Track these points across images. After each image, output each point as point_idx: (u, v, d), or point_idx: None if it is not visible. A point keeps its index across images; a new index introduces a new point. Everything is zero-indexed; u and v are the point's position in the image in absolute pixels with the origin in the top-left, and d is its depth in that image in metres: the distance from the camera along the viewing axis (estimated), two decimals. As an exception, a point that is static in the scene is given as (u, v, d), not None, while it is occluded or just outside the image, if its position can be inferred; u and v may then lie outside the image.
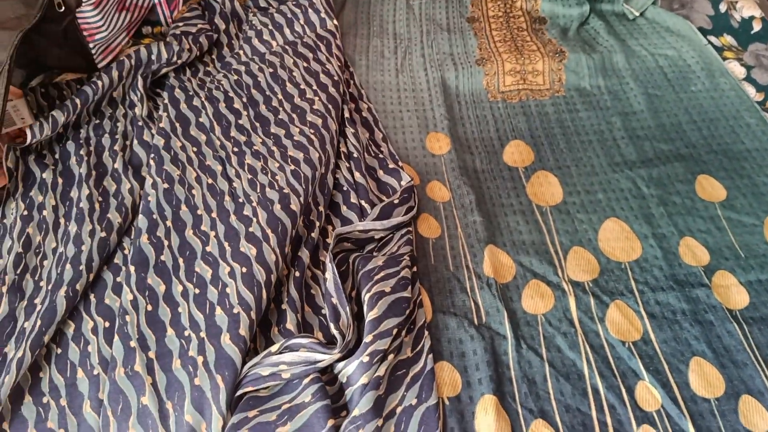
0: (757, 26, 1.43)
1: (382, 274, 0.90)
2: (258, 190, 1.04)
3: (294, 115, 1.18)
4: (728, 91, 1.31)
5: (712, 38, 1.45)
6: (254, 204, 1.02)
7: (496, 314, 0.93)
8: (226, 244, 0.97)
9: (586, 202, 1.11)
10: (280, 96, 1.22)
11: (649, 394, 0.85)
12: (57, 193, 1.06)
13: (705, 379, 0.87)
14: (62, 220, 1.03)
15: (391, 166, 1.12)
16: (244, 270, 0.91)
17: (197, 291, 0.91)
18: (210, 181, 1.06)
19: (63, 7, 1.18)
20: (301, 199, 0.99)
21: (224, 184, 1.06)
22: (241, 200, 1.03)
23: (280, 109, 1.20)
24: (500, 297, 0.95)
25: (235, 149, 1.12)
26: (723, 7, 1.50)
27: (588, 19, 1.52)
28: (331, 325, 0.85)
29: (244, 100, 1.21)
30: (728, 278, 0.99)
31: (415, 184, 1.12)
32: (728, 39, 1.44)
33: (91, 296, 0.92)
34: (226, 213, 1.01)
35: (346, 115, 1.18)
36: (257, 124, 1.17)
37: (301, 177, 1.02)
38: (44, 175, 1.08)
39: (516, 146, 1.21)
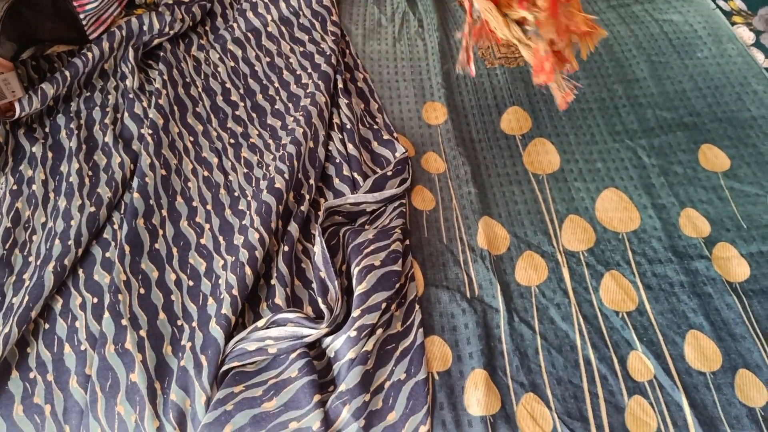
0: (768, -11, 1.38)
1: (372, 247, 0.88)
2: (253, 184, 1.03)
3: (290, 104, 1.16)
4: (735, 57, 1.27)
5: (721, 2, 1.41)
6: (249, 198, 1.01)
7: (489, 287, 0.92)
8: (220, 238, 0.96)
9: (585, 170, 1.08)
10: (276, 84, 1.21)
11: (641, 364, 0.84)
12: (47, 167, 1.05)
13: (701, 352, 0.85)
14: (52, 195, 1.02)
15: (386, 137, 1.10)
16: (233, 258, 0.90)
17: (191, 283, 0.91)
18: (206, 173, 1.05)
19: (52, -23, 1.16)
20: (286, 176, 0.97)
21: (220, 176, 1.05)
22: (236, 194, 1.02)
23: (277, 98, 1.18)
24: (494, 269, 0.93)
25: (232, 141, 1.11)
26: (733, -31, 1.45)
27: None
28: (319, 300, 0.84)
29: (241, 91, 1.19)
30: (729, 250, 0.97)
31: (410, 156, 1.10)
32: (737, 3, 1.40)
33: (80, 271, 0.92)
34: (221, 206, 1.00)
35: (340, 85, 1.15)
36: (254, 115, 1.15)
37: (285, 156, 1.00)
38: (34, 149, 1.07)
39: (513, 113, 1.18)
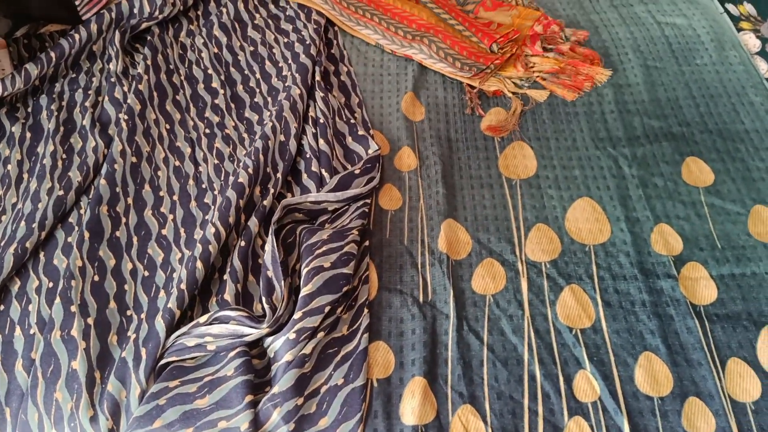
0: (782, -7, 1.32)
1: (324, 248, 0.88)
2: (222, 178, 1.03)
3: (269, 98, 1.16)
4: (736, 66, 1.21)
5: (730, 6, 1.35)
6: (216, 192, 1.01)
7: (443, 292, 0.90)
8: (182, 230, 0.96)
9: (561, 177, 1.05)
10: (258, 75, 1.20)
11: (587, 385, 0.82)
12: (24, 148, 1.07)
13: (652, 375, 0.82)
14: (26, 176, 1.04)
15: (361, 133, 1.08)
16: (190, 252, 0.90)
17: (146, 273, 0.91)
18: (177, 163, 1.05)
19: (42, -42, 1.17)
20: (250, 170, 0.97)
21: (190, 167, 1.05)
22: (204, 186, 1.02)
23: (257, 90, 1.18)
24: (449, 275, 0.92)
25: (207, 131, 1.10)
26: (748, -29, 1.38)
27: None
28: (263, 299, 0.84)
29: (222, 78, 1.19)
30: (699, 270, 0.93)
31: (384, 153, 1.08)
32: (747, 8, 1.34)
33: (41, 255, 0.93)
34: (187, 198, 1.01)
35: (317, 78, 1.14)
36: (233, 105, 1.15)
37: (252, 151, 1.00)
38: (13, 129, 1.09)
39: (496, 114, 1.15)
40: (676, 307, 0.89)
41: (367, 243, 0.95)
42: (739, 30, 1.29)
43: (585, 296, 0.91)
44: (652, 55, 1.24)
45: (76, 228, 0.96)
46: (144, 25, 1.24)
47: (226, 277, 0.89)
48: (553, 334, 0.87)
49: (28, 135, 1.09)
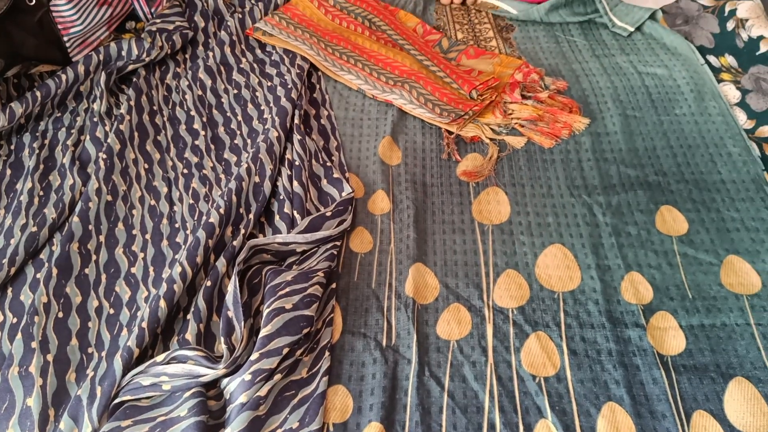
0: (764, 47, 1.33)
1: (287, 290, 0.87)
2: (195, 218, 1.04)
3: (248, 141, 1.18)
4: (715, 116, 1.22)
5: (712, 58, 1.36)
6: (188, 232, 1.02)
7: (407, 337, 0.90)
8: (151, 269, 0.97)
9: (534, 224, 1.05)
10: (239, 117, 1.22)
11: (548, 437, 0.80)
12: (3, 185, 1.08)
13: (615, 427, 0.81)
14: (2, 212, 1.05)
15: (336, 175, 1.09)
16: (156, 291, 0.90)
17: (112, 311, 0.92)
18: (152, 202, 1.07)
19: (33, 1, 1.21)
20: (222, 210, 0.98)
21: (165, 206, 1.06)
22: (177, 225, 1.03)
23: (238, 132, 1.20)
24: (414, 319, 0.91)
25: (185, 171, 1.12)
26: (731, 25, 1.40)
27: (570, 31, 1.45)
28: (221, 339, 0.83)
29: (204, 119, 1.21)
30: (668, 320, 0.92)
31: (358, 196, 1.09)
32: (729, 59, 1.35)
33: (9, 290, 0.94)
34: (159, 237, 1.02)
35: (296, 121, 1.15)
36: (212, 146, 1.17)
37: (225, 192, 1.01)
38: (-6, 166, 1.11)
39: (472, 160, 1.16)
40: (642, 357, 0.88)
41: (334, 285, 0.95)
42: (720, 81, 1.30)
43: (551, 344, 0.90)
44: (632, 104, 1.25)
45: (46, 264, 0.97)
46: (131, 67, 1.27)
47: (189, 316, 0.89)
48: (515, 382, 0.86)
49: (8, 172, 1.10)
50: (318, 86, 1.30)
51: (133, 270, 0.97)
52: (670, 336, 0.90)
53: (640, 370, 0.86)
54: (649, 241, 1.02)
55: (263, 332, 0.82)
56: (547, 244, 1.02)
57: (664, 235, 1.03)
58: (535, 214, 1.07)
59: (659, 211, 1.06)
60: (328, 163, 1.12)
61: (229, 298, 0.87)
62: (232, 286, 0.88)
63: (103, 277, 0.96)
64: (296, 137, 1.13)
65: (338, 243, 0.99)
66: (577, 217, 1.06)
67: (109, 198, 1.04)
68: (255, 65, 1.32)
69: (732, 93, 1.28)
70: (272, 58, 1.34)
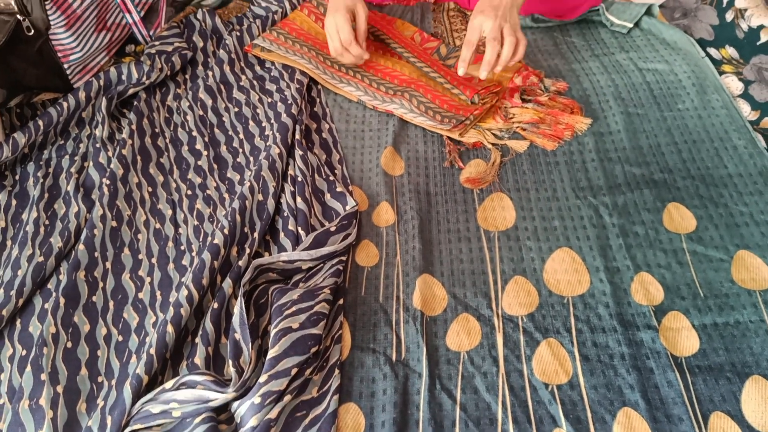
0: (765, 36, 1.31)
1: (293, 308, 0.87)
2: (201, 239, 1.04)
3: (251, 158, 1.17)
4: (719, 109, 1.21)
5: (712, 50, 1.35)
6: (194, 254, 1.02)
7: (416, 350, 0.89)
8: (158, 293, 0.97)
9: (540, 228, 1.04)
10: (241, 135, 1.22)
11: (563, 446, 0.79)
12: (8, 215, 1.09)
13: (631, 432, 0.80)
14: (8, 243, 1.05)
15: (339, 189, 1.09)
16: (163, 316, 0.91)
17: (120, 338, 0.92)
18: (157, 225, 1.07)
19: (32, 31, 1.21)
20: (226, 231, 0.98)
21: (170, 229, 1.06)
22: (183, 248, 1.03)
23: (240, 150, 1.19)
24: (423, 332, 0.91)
25: (189, 192, 1.12)
26: (730, 16, 1.39)
27: (569, 31, 1.44)
28: (229, 362, 0.83)
29: (206, 139, 1.21)
30: (680, 320, 0.91)
31: (362, 209, 1.09)
32: (730, 51, 1.33)
33: (17, 322, 0.94)
34: (165, 260, 1.01)
35: (297, 137, 1.15)
36: (215, 166, 1.17)
37: (229, 212, 1.01)
38: (0, 197, 1.11)
39: (475, 166, 1.15)
40: (656, 360, 0.87)
41: (341, 301, 0.94)
42: (722, 73, 1.29)
43: (562, 350, 0.89)
44: (634, 102, 1.24)
45: (54, 294, 0.97)
46: (131, 91, 1.27)
47: (197, 340, 0.89)
48: (528, 391, 0.85)
49: (14, 202, 1.11)
50: (318, 100, 1.30)
51: (140, 295, 0.97)
52: (683, 336, 0.89)
53: (654, 374, 0.85)
54: (658, 240, 1.01)
55: (271, 353, 0.81)
56: (555, 248, 1.02)
57: (673, 233, 1.02)
58: (541, 218, 1.06)
59: (666, 208, 1.05)
60: (331, 177, 1.11)
61: (235, 320, 0.87)
62: (238, 308, 0.87)
63: (111, 303, 0.96)
64: (298, 152, 1.13)
65: (344, 258, 0.99)
66: (583, 219, 1.05)
67: (114, 224, 1.04)
68: (255, 82, 1.32)
69: (734, 85, 1.27)
70: (271, 74, 1.34)
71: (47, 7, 1.20)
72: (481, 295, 0.96)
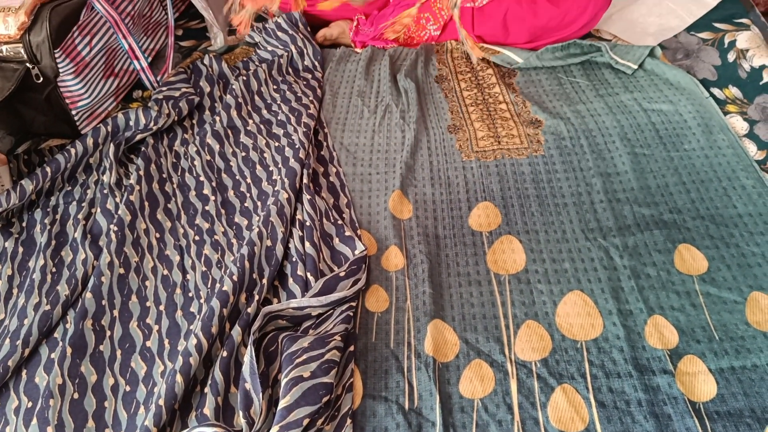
0: (767, 76, 1.32)
1: (304, 356, 0.86)
2: (209, 285, 1.03)
3: (259, 203, 1.17)
4: (725, 149, 1.21)
5: (716, 90, 1.36)
6: (202, 301, 1.01)
7: (429, 398, 0.87)
8: (166, 341, 0.96)
9: (551, 271, 1.04)
10: (249, 180, 1.22)
11: (582, 498, 0.77)
12: (15, 263, 1.08)
13: (651, 482, 0.78)
14: (15, 291, 1.05)
15: (348, 233, 1.08)
16: (172, 366, 0.89)
17: (128, 388, 0.90)
18: (165, 272, 1.06)
19: (41, 78, 1.23)
20: (235, 277, 0.97)
21: (178, 275, 1.06)
22: (191, 294, 1.02)
23: (248, 195, 1.20)
24: (435, 379, 0.89)
25: (196, 237, 1.12)
26: (731, 57, 1.40)
27: (573, 72, 1.45)
28: (240, 413, 0.81)
29: (214, 184, 1.21)
30: (696, 364, 0.90)
31: (371, 253, 1.08)
32: (733, 91, 1.34)
33: (23, 373, 0.92)
34: (173, 307, 1.01)
35: (305, 181, 1.15)
36: (222, 211, 1.16)
37: (238, 258, 1.00)
38: (6, 244, 1.11)
39: (483, 209, 1.15)
40: (673, 406, 0.85)
41: (351, 348, 0.93)
42: (726, 113, 1.30)
43: (578, 397, 0.87)
44: (640, 142, 1.25)
45: (60, 343, 0.96)
46: (139, 137, 1.28)
47: (206, 389, 0.87)
48: (544, 440, 0.83)
49: (21, 250, 1.10)
50: (325, 144, 1.30)
51: (148, 344, 0.96)
52: (700, 381, 0.88)
53: (672, 420, 0.84)
54: (670, 282, 1.00)
55: (282, 403, 0.80)
56: (566, 291, 1.01)
57: (685, 274, 1.01)
58: (551, 260, 1.05)
59: (677, 249, 1.05)
60: (339, 221, 1.11)
61: (245, 369, 0.86)
62: (248, 357, 0.86)
63: (118, 353, 0.95)
64: (306, 197, 1.12)
65: (354, 303, 0.98)
66: (594, 261, 1.04)
67: (122, 271, 1.04)
68: (262, 126, 1.33)
69: (739, 124, 1.27)
70: (278, 117, 1.34)
71: (56, 55, 1.21)
72: (493, 340, 0.94)
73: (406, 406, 0.87)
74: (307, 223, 1.08)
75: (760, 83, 1.32)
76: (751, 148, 1.22)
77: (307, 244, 1.05)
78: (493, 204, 1.16)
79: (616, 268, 1.03)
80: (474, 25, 1.51)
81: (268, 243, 1.05)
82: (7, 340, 0.94)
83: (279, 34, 1.52)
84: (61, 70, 1.24)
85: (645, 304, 0.97)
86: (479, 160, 1.24)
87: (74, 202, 1.18)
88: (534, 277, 1.03)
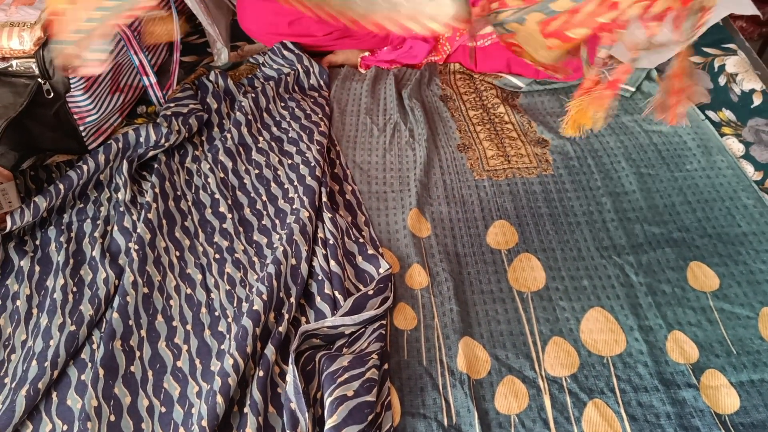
0: (757, 100, 1.39)
1: (346, 375, 0.87)
2: (235, 305, 1.03)
3: (277, 221, 1.18)
4: (725, 170, 1.27)
5: (711, 113, 1.42)
6: (229, 320, 1.01)
7: (467, 415, 0.89)
8: (197, 361, 0.96)
9: (570, 288, 1.07)
10: (264, 198, 1.22)
11: None
12: (33, 282, 1.06)
13: (687, 493, 0.81)
14: (35, 311, 1.03)
15: (370, 252, 1.10)
16: (208, 386, 0.89)
17: (163, 409, 0.90)
18: (189, 291, 1.05)
19: (52, 94, 1.21)
20: (264, 296, 0.97)
21: (202, 294, 1.05)
22: (217, 313, 1.02)
23: (264, 213, 1.20)
24: (472, 396, 0.91)
25: (217, 256, 1.11)
26: (723, 80, 1.47)
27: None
28: (287, 433, 0.82)
29: (229, 202, 1.20)
30: (718, 378, 0.94)
31: (394, 272, 1.09)
32: (727, 114, 1.41)
33: (54, 395, 0.91)
34: (200, 327, 1.00)
35: (324, 199, 1.16)
36: (240, 229, 1.16)
37: (265, 277, 1.01)
38: (22, 263, 1.08)
39: (500, 227, 1.18)
40: (701, 418, 0.88)
41: (386, 366, 0.94)
42: (722, 135, 1.35)
43: (609, 411, 0.90)
44: (644, 162, 1.29)
45: (89, 365, 0.94)
46: (150, 153, 1.27)
47: (246, 410, 0.87)
48: (582, 454, 0.86)
49: (37, 269, 1.08)
50: (338, 162, 1.31)
51: (179, 364, 0.96)
52: (723, 394, 0.92)
53: (701, 432, 0.87)
54: (685, 298, 1.04)
55: (330, 423, 0.81)
56: (587, 308, 1.04)
57: (699, 291, 1.05)
58: (570, 278, 1.08)
59: (689, 267, 1.09)
60: (361, 240, 1.12)
61: (289, 389, 0.86)
62: (290, 377, 0.87)
63: (150, 373, 0.94)
64: (326, 215, 1.13)
65: (384, 321, 0.99)
66: (611, 278, 1.08)
67: (146, 290, 1.03)
68: (273, 144, 1.33)
69: (736, 146, 1.33)
70: (289, 135, 1.35)
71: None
72: (522, 357, 0.97)
73: (445, 423, 0.89)
74: (330, 242, 1.09)
75: (752, 106, 1.39)
76: (749, 169, 1.28)
77: (332, 262, 1.06)
78: (509, 222, 1.19)
79: (633, 285, 1.07)
80: (477, 63, 1.55)
81: (293, 262, 1.06)
82: (34, 362, 0.93)
83: (285, 53, 1.52)
84: (72, 86, 1.22)
85: (664, 320, 1.01)
86: (491, 179, 1.27)
87: (88, 220, 1.17)
88: (555, 294, 1.06)
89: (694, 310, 1.03)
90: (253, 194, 1.24)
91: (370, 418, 0.84)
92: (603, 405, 0.91)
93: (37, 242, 1.13)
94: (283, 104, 1.43)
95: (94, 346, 0.97)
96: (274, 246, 1.11)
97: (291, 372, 0.87)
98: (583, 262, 1.11)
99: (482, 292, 1.07)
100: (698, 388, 0.92)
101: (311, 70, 1.51)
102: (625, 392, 0.92)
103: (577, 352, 0.98)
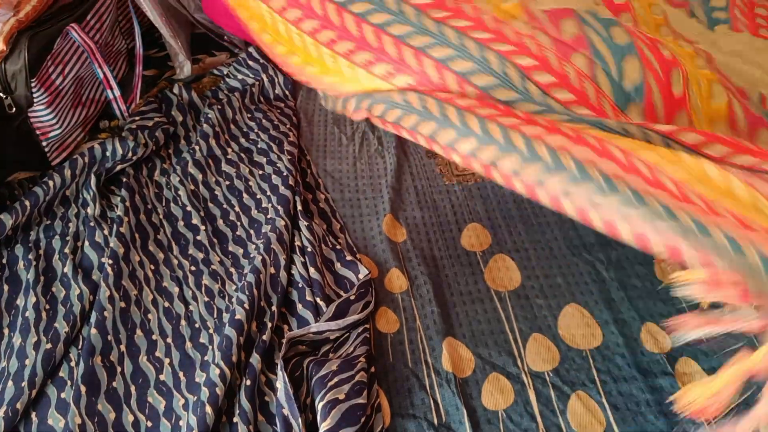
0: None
1: (335, 379, 0.87)
2: (215, 315, 1.02)
3: (251, 231, 1.17)
4: (682, 168, 1.32)
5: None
6: (211, 331, 1.00)
7: (456, 413, 0.90)
8: (181, 374, 0.94)
9: (546, 286, 1.10)
10: (237, 208, 1.22)
11: (615, 496, 0.82)
12: (2, 302, 1.03)
13: (672, 476, 0.84)
14: (6, 331, 0.99)
15: (349, 258, 1.10)
16: (195, 398, 0.88)
17: (150, 424, 0.88)
18: (166, 304, 1.04)
19: (14, 109, 1.18)
20: (246, 306, 0.97)
21: (180, 307, 1.04)
22: (197, 325, 1.01)
23: (238, 223, 1.19)
24: (459, 394, 0.92)
25: (193, 268, 1.10)
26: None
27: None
28: (281, 439, 0.81)
29: (202, 214, 1.19)
30: (692, 365, 0.98)
31: (373, 276, 1.10)
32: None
33: (33, 415, 0.88)
34: (181, 339, 0.99)
35: (299, 207, 1.17)
36: (215, 241, 1.15)
37: (245, 286, 1.00)
38: (-11, 283, 1.05)
39: (473, 230, 1.20)
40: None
41: (373, 369, 0.95)
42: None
43: (592, 402, 0.93)
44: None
45: (69, 382, 0.92)
46: (118, 168, 1.25)
47: (236, 419, 0.86)
48: (570, 445, 0.88)
49: (6, 287, 1.05)
50: (309, 171, 1.31)
51: (161, 377, 0.94)
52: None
53: (680, 417, 0.90)
54: (655, 292, 1.08)
55: (324, 426, 0.81)
56: (563, 304, 1.07)
57: (666, 284, 1.10)
58: (545, 276, 1.11)
59: (656, 261, 1.13)
60: (338, 246, 1.13)
61: (281, 395, 0.86)
62: (281, 383, 0.86)
63: (133, 388, 0.92)
64: (303, 223, 1.14)
65: (368, 326, 1.00)
66: (583, 275, 1.11)
67: (123, 305, 1.01)
68: (242, 155, 1.33)
69: (691, 145, 1.39)
70: (258, 146, 1.35)
71: (32, 84, 1.17)
72: (505, 354, 0.99)
73: (435, 422, 0.90)
74: (308, 249, 1.09)
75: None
76: (704, 166, 1.34)
77: (311, 269, 1.06)
78: (481, 225, 1.21)
79: (605, 280, 1.10)
80: None
81: (272, 270, 1.05)
82: (10, 382, 0.90)
83: (250, 63, 1.52)
84: (35, 100, 1.19)
85: (637, 313, 1.05)
86: (461, 183, 1.30)
87: (57, 236, 1.14)
88: (531, 292, 1.09)
89: (663, 302, 1.07)
90: (225, 205, 1.23)
91: (362, 419, 0.84)
92: (586, 396, 0.93)
93: (4, 261, 1.10)
94: (249, 115, 1.43)
95: (72, 364, 0.94)
96: (251, 256, 1.10)
97: (281, 378, 0.87)
98: (555, 260, 1.14)
99: (461, 293, 1.09)
100: (674, 375, 0.95)
101: (276, 80, 1.51)
102: (605, 383, 0.95)
103: (557, 347, 1.00)
